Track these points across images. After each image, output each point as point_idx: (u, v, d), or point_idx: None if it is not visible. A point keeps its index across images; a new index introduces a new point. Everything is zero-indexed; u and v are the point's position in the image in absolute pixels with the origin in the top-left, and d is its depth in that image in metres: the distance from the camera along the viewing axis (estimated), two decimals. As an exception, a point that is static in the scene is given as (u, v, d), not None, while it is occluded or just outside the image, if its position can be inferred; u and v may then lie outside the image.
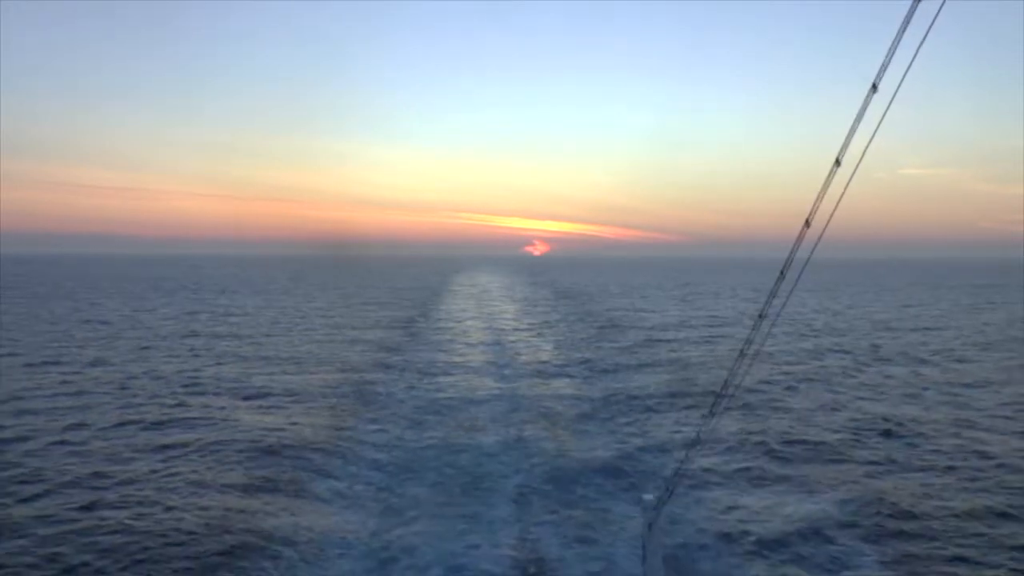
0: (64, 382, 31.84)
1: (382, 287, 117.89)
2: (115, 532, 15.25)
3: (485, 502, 17.58)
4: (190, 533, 15.21)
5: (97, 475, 19.00)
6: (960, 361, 39.50)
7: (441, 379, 33.91)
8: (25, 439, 22.36)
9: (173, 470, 19.58)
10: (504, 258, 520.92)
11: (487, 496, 18.00)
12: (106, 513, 16.31)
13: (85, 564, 13.89)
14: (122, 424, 24.40)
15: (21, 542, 14.75)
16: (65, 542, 14.76)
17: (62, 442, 22.09)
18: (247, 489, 18.15)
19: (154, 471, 19.44)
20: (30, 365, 36.19)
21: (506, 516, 16.73)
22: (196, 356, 40.40)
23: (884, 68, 5.15)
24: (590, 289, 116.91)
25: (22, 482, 18.47)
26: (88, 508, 16.66)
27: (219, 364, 37.36)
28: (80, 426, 24.11)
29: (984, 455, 20.99)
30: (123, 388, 30.53)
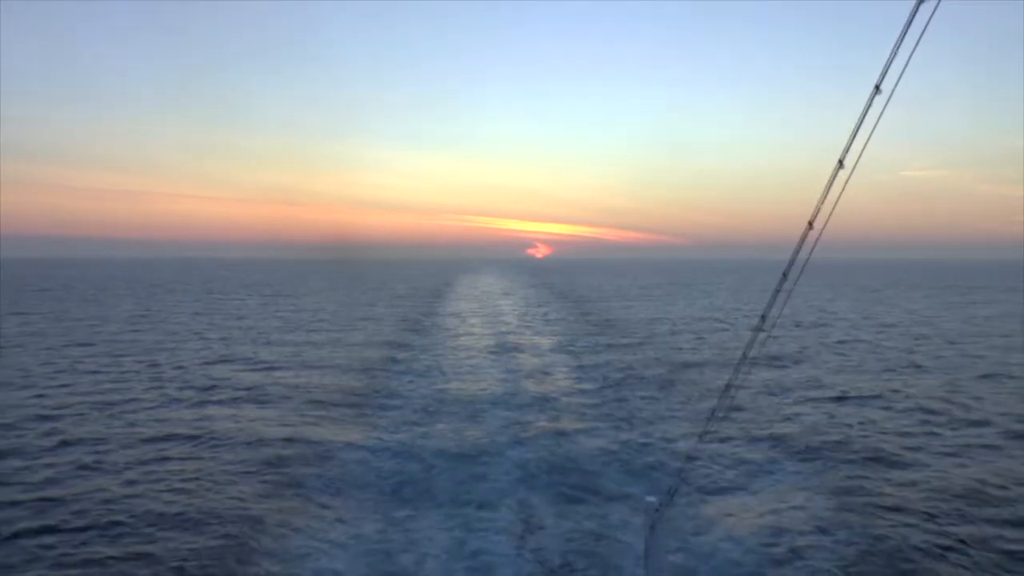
0: (96, 371, 35.22)
1: (386, 289, 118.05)
2: (130, 512, 15.75)
3: (486, 504, 17.57)
4: (198, 521, 15.58)
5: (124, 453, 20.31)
6: (960, 356, 39.53)
7: (444, 378, 34.03)
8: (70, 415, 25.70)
9: (185, 459, 20.46)
10: (507, 260, 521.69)
11: (488, 497, 17.99)
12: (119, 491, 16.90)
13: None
14: (135, 416, 25.35)
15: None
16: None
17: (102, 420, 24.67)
18: (255, 478, 18.52)
19: (166, 460, 20.14)
20: (68, 356, 39.71)
21: (508, 517, 16.72)
22: (206, 350, 41.90)
23: (886, 69, 5.15)
24: (591, 291, 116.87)
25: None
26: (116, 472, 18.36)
27: (226, 364, 37.82)
28: (114, 404, 27.67)
29: (996, 469, 20.97)
30: (152, 382, 32.69)
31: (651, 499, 8.96)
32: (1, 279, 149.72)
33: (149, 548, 14.48)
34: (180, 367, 36.68)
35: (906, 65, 5.06)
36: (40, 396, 28.70)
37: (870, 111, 5.34)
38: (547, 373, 36.00)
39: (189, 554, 14.15)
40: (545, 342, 48.48)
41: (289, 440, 22.47)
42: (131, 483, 18.50)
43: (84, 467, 19.66)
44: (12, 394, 29.08)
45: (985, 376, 34.22)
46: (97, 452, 21.05)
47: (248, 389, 31.01)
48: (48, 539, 14.94)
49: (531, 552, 14.86)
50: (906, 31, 4.90)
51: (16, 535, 15.21)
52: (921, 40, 4.91)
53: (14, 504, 16.75)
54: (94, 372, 34.83)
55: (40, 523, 15.71)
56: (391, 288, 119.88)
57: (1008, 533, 15.42)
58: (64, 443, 21.83)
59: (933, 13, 4.71)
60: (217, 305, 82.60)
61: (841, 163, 5.68)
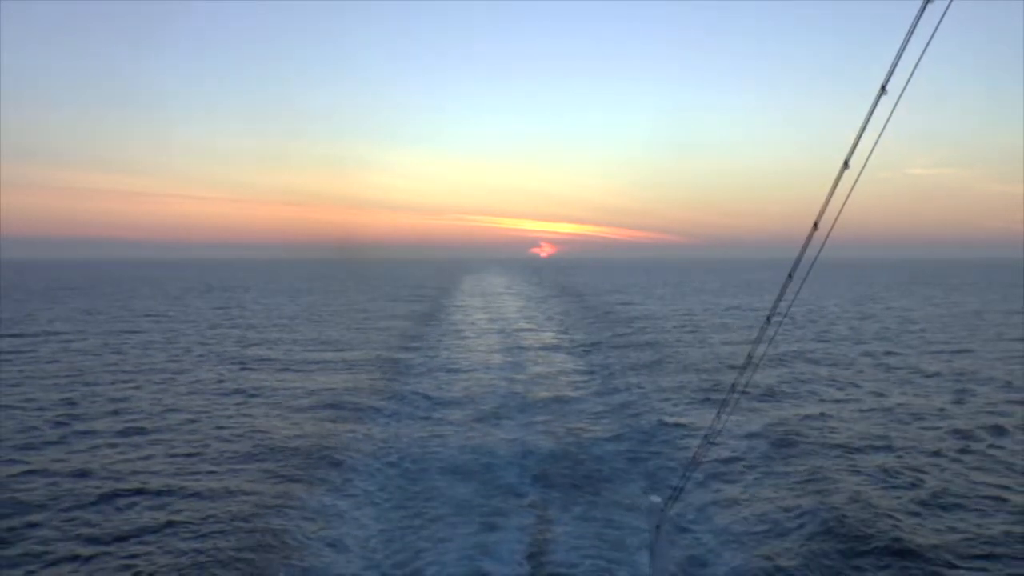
0: (145, 347, 42.75)
1: (389, 289, 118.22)
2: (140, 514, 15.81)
3: (492, 504, 17.58)
4: (204, 524, 15.54)
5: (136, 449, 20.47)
6: (959, 354, 39.39)
7: (449, 378, 34.08)
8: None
9: (189, 460, 20.48)
10: (511, 259, 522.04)
11: (494, 498, 18.00)
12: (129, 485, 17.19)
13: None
14: (139, 415, 25.60)
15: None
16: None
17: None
18: (262, 484, 18.45)
19: (174, 460, 20.23)
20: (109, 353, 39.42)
21: (513, 518, 16.72)
22: (221, 341, 42.72)
23: (893, 70, 5.12)
24: (596, 289, 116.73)
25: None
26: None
27: (238, 362, 38.03)
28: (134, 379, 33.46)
29: (1001, 460, 20.89)
30: (181, 368, 36.85)
31: (656, 499, 8.96)
32: (12, 280, 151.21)
33: (162, 525, 14.61)
34: (202, 354, 41.43)
35: (915, 67, 5.04)
36: (111, 365, 37.31)
37: (876, 112, 5.32)
38: (551, 370, 36.01)
39: (199, 545, 14.18)
40: (548, 339, 48.59)
41: (300, 435, 22.83)
42: (156, 463, 19.21)
43: (123, 434, 23.47)
44: (89, 361, 38.62)
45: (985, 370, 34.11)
46: (126, 422, 25.10)
47: (259, 387, 31.55)
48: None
49: (537, 551, 14.87)
50: (912, 31, 4.88)
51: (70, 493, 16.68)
52: (929, 39, 4.89)
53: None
54: (144, 348, 44.00)
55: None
56: (396, 288, 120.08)
57: (1010, 530, 15.38)
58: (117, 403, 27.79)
59: (942, 17, 4.70)
60: (227, 303, 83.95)
61: (847, 164, 5.66)
